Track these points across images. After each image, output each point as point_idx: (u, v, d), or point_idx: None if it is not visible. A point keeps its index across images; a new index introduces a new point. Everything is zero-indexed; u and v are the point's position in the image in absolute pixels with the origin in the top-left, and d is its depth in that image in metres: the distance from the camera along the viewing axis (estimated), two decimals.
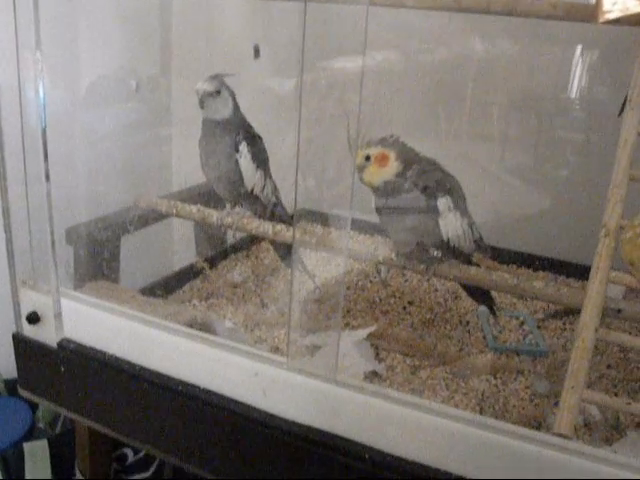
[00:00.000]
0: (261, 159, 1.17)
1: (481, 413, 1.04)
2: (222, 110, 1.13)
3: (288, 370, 0.84)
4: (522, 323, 1.36)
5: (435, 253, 1.04)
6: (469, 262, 1.09)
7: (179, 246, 1.55)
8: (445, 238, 1.03)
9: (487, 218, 1.54)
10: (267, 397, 0.86)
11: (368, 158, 0.99)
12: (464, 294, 1.47)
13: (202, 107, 1.12)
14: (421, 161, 1.02)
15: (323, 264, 1.37)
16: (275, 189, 1.21)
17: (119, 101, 1.42)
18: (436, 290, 1.49)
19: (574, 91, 1.48)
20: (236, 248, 1.57)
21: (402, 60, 1.50)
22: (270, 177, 1.20)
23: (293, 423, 0.84)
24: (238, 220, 1.14)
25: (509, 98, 1.56)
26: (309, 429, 0.83)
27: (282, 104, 1.73)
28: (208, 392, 0.90)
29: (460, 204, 1.04)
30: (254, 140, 1.16)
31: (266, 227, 1.11)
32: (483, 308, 1.42)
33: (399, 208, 1.01)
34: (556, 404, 1.08)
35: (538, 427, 1.03)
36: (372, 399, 0.80)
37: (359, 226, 1.49)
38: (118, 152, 1.38)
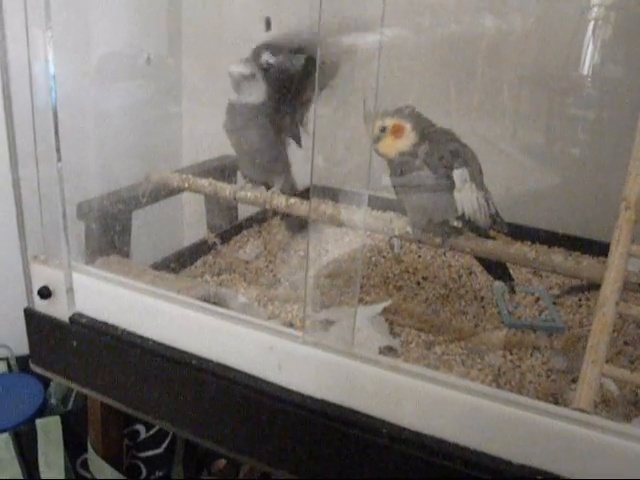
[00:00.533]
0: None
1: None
2: (256, 94, 1.10)
3: (304, 344, 0.83)
4: (538, 299, 1.35)
5: (455, 223, 1.02)
6: (486, 237, 1.07)
7: (190, 221, 1.53)
8: (461, 212, 1.01)
9: (499, 194, 1.52)
10: (282, 371, 0.85)
11: (384, 129, 0.98)
12: (479, 270, 1.45)
13: (237, 91, 1.09)
14: (437, 132, 1.00)
15: (336, 239, 1.35)
16: None
17: (130, 77, 1.40)
18: (450, 266, 1.47)
19: (587, 67, 1.46)
20: (248, 224, 1.56)
21: (414, 35, 1.48)
22: None
23: (308, 397, 0.83)
24: (251, 194, 1.12)
25: (523, 74, 1.53)
26: (325, 403, 0.82)
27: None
28: (222, 366, 0.89)
29: (476, 176, 1.02)
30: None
31: (279, 200, 1.09)
32: (498, 284, 1.40)
33: (415, 180, 1.00)
34: (574, 380, 1.07)
35: (555, 403, 1.01)
36: (389, 373, 0.79)
37: (369, 201, 1.47)
38: (129, 128, 1.37)
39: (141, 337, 0.95)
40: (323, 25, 0.79)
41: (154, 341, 0.94)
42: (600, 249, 1.48)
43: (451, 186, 0.99)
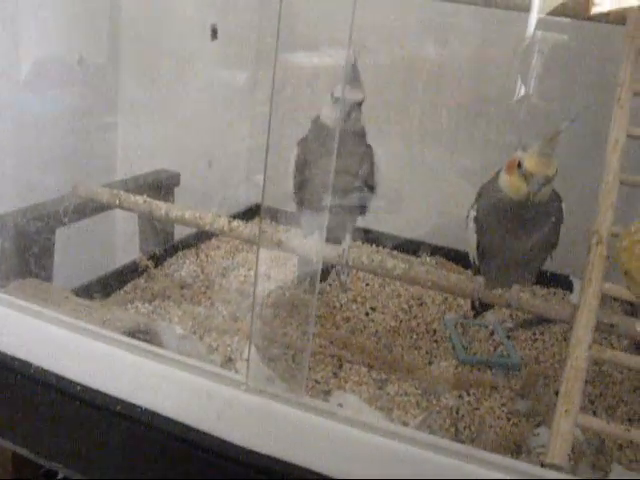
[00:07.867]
0: None
1: (456, 434, 0.95)
2: (360, 120, 0.97)
3: (247, 391, 0.73)
4: (492, 333, 1.28)
5: None
6: None
7: (121, 241, 1.41)
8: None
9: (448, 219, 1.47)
10: (221, 421, 0.74)
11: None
12: (429, 300, 1.38)
13: (348, 118, 0.94)
14: None
15: (280, 265, 1.26)
16: None
17: (60, 82, 1.28)
18: (399, 295, 1.39)
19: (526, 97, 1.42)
20: (184, 244, 1.44)
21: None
22: None
23: (251, 452, 0.73)
24: (190, 214, 1.02)
25: (468, 100, 1.50)
26: (270, 460, 0.72)
27: (237, 92, 1.63)
28: (152, 414, 0.78)
29: None
30: None
31: (221, 223, 0.99)
32: (449, 316, 1.33)
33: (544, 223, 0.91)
34: (538, 425, 1.00)
35: (519, 449, 0.94)
36: (344, 427, 0.69)
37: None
38: (57, 136, 1.26)
39: (57, 376, 0.83)
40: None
41: (72, 382, 0.82)
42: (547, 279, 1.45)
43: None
